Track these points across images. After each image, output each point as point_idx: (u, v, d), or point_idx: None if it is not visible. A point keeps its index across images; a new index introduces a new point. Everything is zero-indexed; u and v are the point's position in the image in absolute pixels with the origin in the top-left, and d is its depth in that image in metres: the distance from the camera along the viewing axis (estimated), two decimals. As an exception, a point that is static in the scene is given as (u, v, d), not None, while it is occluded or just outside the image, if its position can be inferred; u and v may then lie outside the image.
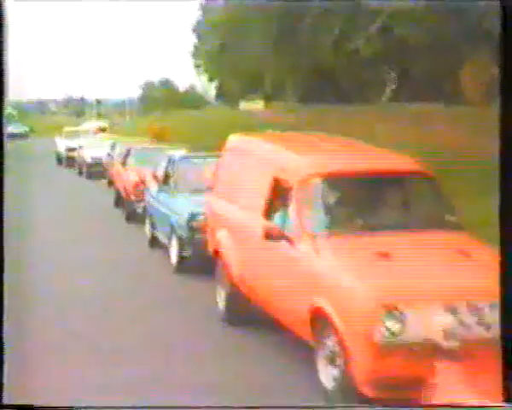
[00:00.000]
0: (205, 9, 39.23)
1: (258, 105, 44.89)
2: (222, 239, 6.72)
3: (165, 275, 8.82)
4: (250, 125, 18.16)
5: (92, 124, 34.29)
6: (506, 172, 3.11)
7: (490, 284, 4.69)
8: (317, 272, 5.04)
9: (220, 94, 51.30)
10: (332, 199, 5.65)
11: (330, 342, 4.80)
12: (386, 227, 5.39)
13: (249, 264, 6.17)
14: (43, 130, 46.75)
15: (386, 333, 4.34)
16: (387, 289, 4.52)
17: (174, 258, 8.82)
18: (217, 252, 6.88)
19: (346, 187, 5.70)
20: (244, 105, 47.47)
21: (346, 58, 21.14)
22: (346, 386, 4.62)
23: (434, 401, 3.13)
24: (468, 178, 11.46)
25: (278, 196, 5.82)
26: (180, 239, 8.57)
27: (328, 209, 5.55)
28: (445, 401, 3.75)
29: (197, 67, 49.64)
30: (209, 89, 57.89)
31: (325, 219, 5.45)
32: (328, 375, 4.86)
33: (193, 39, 46.32)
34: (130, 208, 12.72)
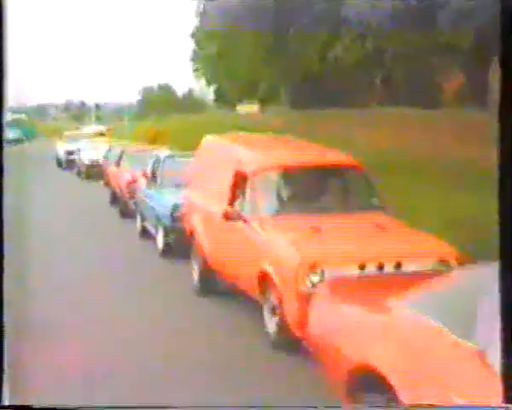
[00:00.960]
0: (202, 16, 40.56)
1: (254, 108, 46.50)
2: (195, 223, 8.18)
3: (153, 259, 10.25)
4: (245, 128, 19.60)
5: (91, 128, 35.78)
6: (505, 171, 3.11)
7: (396, 248, 6.14)
8: (263, 244, 6.47)
9: (218, 97, 52.56)
10: (279, 186, 7.10)
11: (272, 297, 6.21)
12: (323, 209, 6.83)
13: (215, 242, 7.61)
14: (43, 134, 48.13)
15: (310, 285, 5.75)
16: (312, 253, 5.94)
17: (160, 244, 10.26)
18: (191, 234, 8.33)
19: (291, 177, 7.16)
20: (241, 108, 49.13)
21: (331, 66, 22.57)
22: (283, 329, 6.03)
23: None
24: (436, 175, 12.86)
25: (238, 185, 7.26)
26: (164, 228, 10.01)
27: (275, 194, 7.00)
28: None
29: (195, 71, 51.12)
30: (207, 92, 59.39)
31: (272, 202, 6.89)
32: (271, 322, 6.28)
33: (191, 44, 47.82)
34: (124, 205, 14.16)
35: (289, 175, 7.17)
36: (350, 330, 3.92)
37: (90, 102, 75.38)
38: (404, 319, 3.60)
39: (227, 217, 6.94)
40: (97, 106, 65.92)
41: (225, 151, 7.99)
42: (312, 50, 21.95)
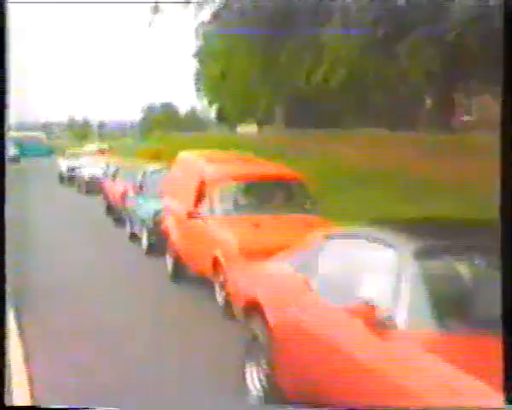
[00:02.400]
0: (203, 37, 42.71)
1: (252, 128, 48.80)
2: (168, 224, 10.25)
3: (139, 257, 12.30)
4: (244, 147, 21.82)
5: (92, 146, 38.02)
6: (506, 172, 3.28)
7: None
8: (215, 236, 8.52)
9: (219, 117, 54.67)
10: (231, 193, 9.16)
11: (221, 276, 8.23)
12: (264, 211, 8.87)
13: (182, 237, 9.67)
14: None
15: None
16: (249, 242, 7.97)
17: (144, 244, 12.32)
18: (166, 232, 10.39)
19: (241, 186, 9.22)
20: (241, 128, 51.47)
21: (315, 89, 24.71)
22: (228, 300, 8.04)
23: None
24: (391, 187, 14.89)
25: (200, 191, 9.32)
26: (148, 230, 12.07)
27: (227, 199, 9.06)
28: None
29: (198, 90, 53.38)
30: (210, 112, 61.72)
31: (224, 205, 8.94)
32: (220, 296, 8.30)
33: (195, 64, 50.13)
34: (117, 215, 16.23)
35: (240, 184, 9.24)
36: (249, 280, 5.96)
37: (94, 120, 77.91)
38: (281, 271, 5.63)
39: (190, 216, 9.01)
40: (100, 124, 68.23)
41: (193, 165, 10.09)
42: (298, 75, 24.09)
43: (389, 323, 3.99)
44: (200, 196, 9.33)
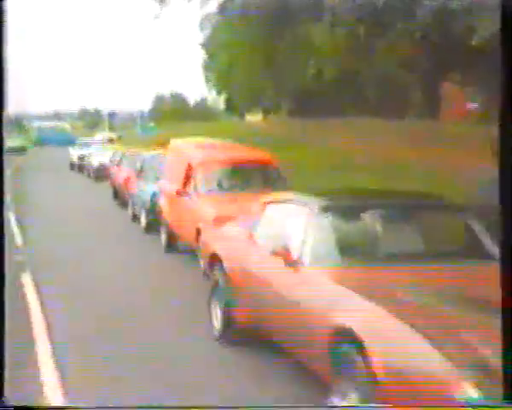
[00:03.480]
0: (210, 28, 44.23)
1: (258, 117, 50.51)
2: (162, 202, 11.95)
3: (139, 233, 14.01)
4: (251, 135, 23.54)
5: (101, 135, 39.82)
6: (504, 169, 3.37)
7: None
8: (198, 210, 10.18)
9: (228, 107, 56.25)
10: (214, 174, 10.82)
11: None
12: (241, 189, 10.52)
13: (173, 212, 11.35)
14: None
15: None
16: (225, 213, 9.61)
17: (143, 223, 14.02)
18: (160, 211, 12.08)
19: (223, 168, 10.89)
20: (249, 117, 53.20)
21: (314, 81, 26.38)
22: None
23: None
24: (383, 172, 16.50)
25: (188, 173, 10.99)
26: (146, 210, 13.76)
27: (211, 179, 10.72)
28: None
29: (208, 81, 54.97)
30: (219, 102, 63.38)
31: (207, 184, 10.61)
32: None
33: (203, 54, 51.72)
34: (123, 198, 17.95)
35: (222, 167, 10.92)
36: (213, 239, 7.64)
37: (105, 110, 79.76)
38: (234, 231, 7.30)
39: (178, 194, 10.69)
40: (110, 114, 70.02)
41: (182, 150, 11.78)
42: (295, 69, 25.79)
43: (300, 261, 5.64)
44: (187, 178, 11.00)
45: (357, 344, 4.47)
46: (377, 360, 4.30)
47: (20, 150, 40.91)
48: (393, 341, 4.34)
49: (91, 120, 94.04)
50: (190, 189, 10.72)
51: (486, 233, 5.80)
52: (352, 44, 18.26)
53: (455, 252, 5.81)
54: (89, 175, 28.05)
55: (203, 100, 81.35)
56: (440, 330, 4.24)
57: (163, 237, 11.96)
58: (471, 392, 3.76)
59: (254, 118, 51.55)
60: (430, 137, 19.20)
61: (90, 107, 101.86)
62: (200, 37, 49.63)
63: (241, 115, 53.48)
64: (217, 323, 7.11)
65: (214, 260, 7.24)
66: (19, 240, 12.88)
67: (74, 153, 32.73)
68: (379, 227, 5.98)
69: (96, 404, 5.25)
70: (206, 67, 52.78)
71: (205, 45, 48.74)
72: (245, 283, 6.57)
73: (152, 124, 57.23)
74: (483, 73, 17.99)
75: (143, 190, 14.38)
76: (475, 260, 5.61)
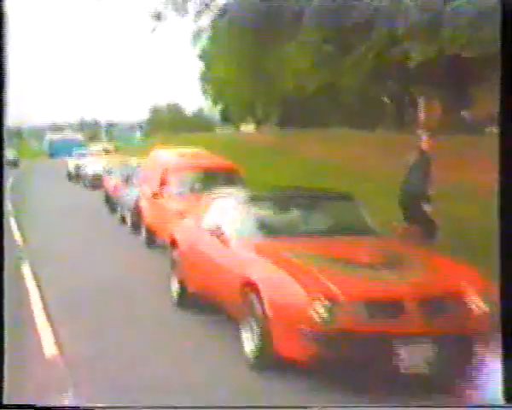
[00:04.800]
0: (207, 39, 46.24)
1: (251, 128, 52.78)
2: (142, 204, 14.08)
3: (125, 233, 16.13)
4: (243, 145, 25.63)
5: (98, 146, 42.00)
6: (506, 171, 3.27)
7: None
8: (171, 210, 12.26)
9: (223, 117, 58.27)
10: (184, 178, 12.94)
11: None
12: (207, 191, 12.59)
13: (150, 213, 13.47)
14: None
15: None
16: (191, 210, 11.69)
17: (129, 223, 16.14)
18: (141, 211, 14.21)
19: (192, 173, 13.03)
20: (244, 127, 55.50)
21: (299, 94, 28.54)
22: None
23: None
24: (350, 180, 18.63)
25: (163, 177, 13.10)
26: (131, 212, 15.87)
27: (182, 183, 12.84)
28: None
29: (205, 92, 57.10)
30: (215, 112, 65.52)
31: (178, 187, 12.72)
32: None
33: (200, 65, 53.82)
34: (112, 203, 20.07)
35: (192, 172, 13.06)
36: (173, 229, 9.75)
37: (103, 120, 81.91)
38: (189, 221, 9.42)
39: (154, 196, 12.82)
40: (108, 126, 72.12)
41: (159, 158, 13.95)
42: (279, 81, 27.91)
43: (229, 238, 7.75)
44: (162, 181, 13.12)
45: (256, 289, 6.57)
46: (266, 298, 6.41)
47: (11, 164, 37.67)
48: (277, 285, 6.47)
49: (90, 131, 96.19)
50: (164, 191, 12.83)
51: (368, 215, 7.95)
52: (322, 61, 20.47)
53: (345, 228, 7.93)
54: (84, 184, 30.19)
55: (200, 110, 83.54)
56: (307, 276, 6.37)
57: (143, 233, 14.07)
58: (319, 308, 5.87)
59: (248, 128, 53.81)
60: (391, 146, 21.34)
61: (89, 118, 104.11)
62: (197, 48, 51.61)
63: (236, 126, 55.71)
64: (175, 291, 9.19)
65: (174, 243, 9.35)
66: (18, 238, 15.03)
67: (71, 163, 34.90)
68: (289, 212, 8.13)
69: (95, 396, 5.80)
70: (203, 78, 54.81)
71: (201, 56, 50.65)
72: (193, 258, 8.68)
73: (138, 134, 58.56)
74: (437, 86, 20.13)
75: (129, 194, 16.49)
76: (359, 234, 7.75)
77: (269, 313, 6.37)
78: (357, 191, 15.91)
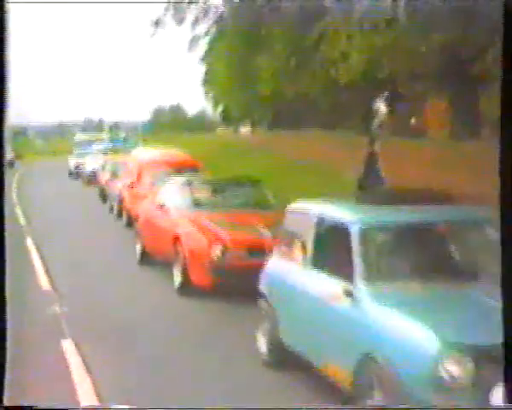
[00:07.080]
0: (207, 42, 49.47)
1: (247, 129, 56.46)
2: (123, 194, 17.81)
3: (111, 219, 19.79)
4: (237, 146, 28.76)
5: (98, 146, 45.67)
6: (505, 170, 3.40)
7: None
8: (143, 196, 15.93)
9: (223, 119, 61.55)
10: (156, 171, 16.58)
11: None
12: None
13: (129, 200, 17.15)
14: (63, 151, 57.95)
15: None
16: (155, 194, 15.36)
17: (115, 210, 19.80)
18: (123, 200, 17.92)
19: (162, 167, 16.69)
20: (243, 129, 59.19)
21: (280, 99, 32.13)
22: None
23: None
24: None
25: (140, 171, 16.78)
26: (117, 201, 19.51)
27: (153, 175, 16.49)
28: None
29: (206, 93, 60.47)
30: (217, 114, 68.95)
31: (149, 179, 16.37)
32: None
33: (203, 67, 57.08)
34: (104, 195, 23.77)
35: (162, 166, 16.70)
36: (140, 208, 13.41)
37: (108, 120, 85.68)
38: (150, 201, 13.07)
39: (130, 186, 16.51)
40: (112, 126, 75.84)
41: (138, 156, 17.63)
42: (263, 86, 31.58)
43: (169, 209, 11.39)
44: (139, 174, 16.79)
45: (180, 240, 10.25)
46: (184, 245, 10.08)
47: (8, 165, 39.78)
48: (192, 237, 10.15)
49: (95, 131, 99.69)
50: (139, 182, 16.50)
51: (271, 195, 11.61)
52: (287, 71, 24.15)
53: (251, 205, 11.54)
54: (83, 180, 33.94)
55: (202, 111, 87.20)
56: (210, 232, 10.03)
57: (124, 218, 17.75)
58: (215, 251, 9.53)
59: (246, 130, 57.44)
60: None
61: (95, 117, 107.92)
62: (195, 53, 54.60)
63: (235, 127, 59.30)
64: (137, 252, 12.81)
65: (136, 218, 13.04)
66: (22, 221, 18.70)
67: (72, 162, 38.72)
68: (216, 193, 11.81)
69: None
70: (204, 80, 58.06)
71: (202, 59, 53.76)
72: (148, 227, 12.35)
73: (123, 135, 59.87)
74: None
75: (116, 187, 20.15)
76: (261, 208, 11.39)
77: (186, 254, 10.03)
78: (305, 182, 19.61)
